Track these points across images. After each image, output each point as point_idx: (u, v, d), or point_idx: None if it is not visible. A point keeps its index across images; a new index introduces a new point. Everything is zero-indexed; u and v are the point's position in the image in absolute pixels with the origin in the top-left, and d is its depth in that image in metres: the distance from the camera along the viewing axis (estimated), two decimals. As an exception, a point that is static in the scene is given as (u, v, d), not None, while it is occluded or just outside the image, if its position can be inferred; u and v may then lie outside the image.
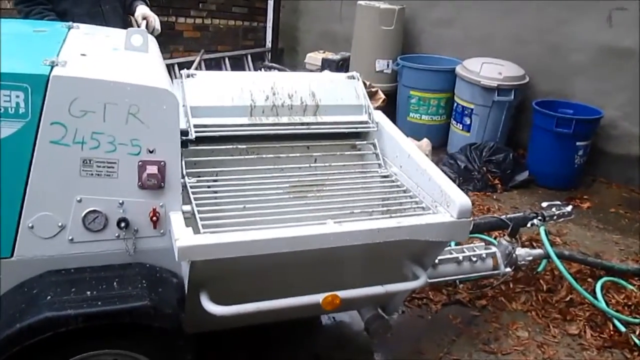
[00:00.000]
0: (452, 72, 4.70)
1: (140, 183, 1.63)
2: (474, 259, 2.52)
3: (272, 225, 1.72)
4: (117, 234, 1.65)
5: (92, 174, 1.59)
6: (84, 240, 1.63)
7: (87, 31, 2.14)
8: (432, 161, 4.41)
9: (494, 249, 2.60)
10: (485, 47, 4.82)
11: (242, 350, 2.29)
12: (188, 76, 2.21)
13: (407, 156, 2.14)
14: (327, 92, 2.36)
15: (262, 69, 5.26)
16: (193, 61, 5.54)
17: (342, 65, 5.47)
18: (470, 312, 2.71)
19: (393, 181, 2.17)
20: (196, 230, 1.63)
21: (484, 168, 4.21)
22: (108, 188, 1.61)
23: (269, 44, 6.43)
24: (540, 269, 2.98)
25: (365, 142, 2.37)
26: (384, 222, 1.76)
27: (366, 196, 2.04)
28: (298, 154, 2.22)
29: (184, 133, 1.95)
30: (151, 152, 1.63)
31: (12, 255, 1.57)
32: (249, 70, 6.20)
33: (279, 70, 5.43)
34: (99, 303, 1.53)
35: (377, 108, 4.44)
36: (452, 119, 4.82)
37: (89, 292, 1.56)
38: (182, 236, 1.56)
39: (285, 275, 1.82)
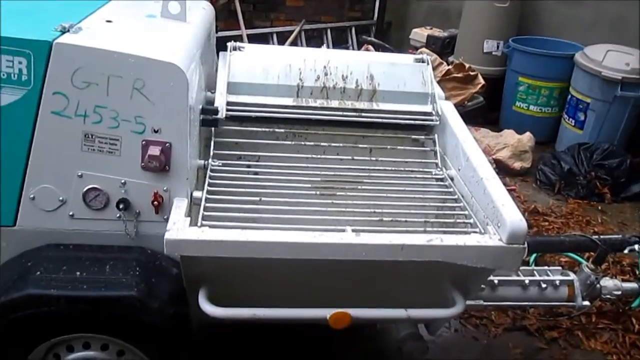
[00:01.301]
0: (570, 59, 4.10)
1: (143, 164, 1.50)
2: (544, 285, 2.13)
3: (283, 225, 1.53)
4: (118, 215, 1.55)
5: (93, 150, 1.50)
6: (84, 217, 1.55)
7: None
8: (534, 158, 3.97)
9: (572, 277, 2.18)
10: (615, 33, 4.14)
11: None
12: (235, 49, 2.05)
13: (466, 159, 1.81)
14: (387, 76, 2.08)
15: (363, 44, 5.00)
16: (292, 31, 5.40)
17: (448, 44, 5.02)
18: (536, 343, 2.33)
19: (446, 186, 1.86)
20: (195, 222, 1.48)
21: (592, 173, 3.65)
22: (110, 166, 1.51)
23: (376, 17, 6.11)
24: (634, 304, 2.49)
25: (424, 136, 2.07)
26: (412, 238, 1.48)
27: (407, 201, 1.75)
28: (341, 144, 1.98)
29: (214, 111, 1.81)
30: (156, 131, 1.49)
31: (14, 224, 1.53)
32: (352, 44, 5.95)
33: (378, 46, 5.15)
34: (84, 286, 1.45)
35: (475, 93, 4.07)
36: (564, 113, 4.23)
37: (78, 273, 1.48)
38: (174, 227, 1.42)
39: (292, 282, 1.62)
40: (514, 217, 1.52)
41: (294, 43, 5.39)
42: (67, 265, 1.50)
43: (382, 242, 1.46)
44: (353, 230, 1.49)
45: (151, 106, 1.47)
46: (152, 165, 1.49)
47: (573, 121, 4.10)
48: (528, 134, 4.01)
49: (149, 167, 1.50)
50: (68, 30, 1.47)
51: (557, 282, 2.15)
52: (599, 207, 3.54)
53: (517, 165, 3.89)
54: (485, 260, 1.52)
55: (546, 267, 2.24)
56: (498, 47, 4.63)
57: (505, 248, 1.50)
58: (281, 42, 5.38)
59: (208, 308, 1.50)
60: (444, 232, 1.63)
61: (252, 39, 5.16)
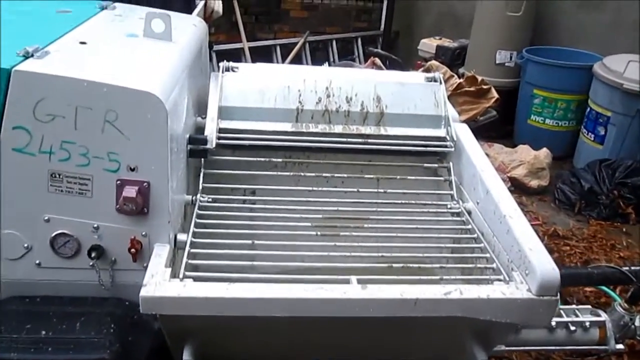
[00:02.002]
0: (588, 70, 3.89)
1: (118, 206, 1.32)
2: (573, 327, 1.92)
3: (278, 275, 1.34)
4: (91, 263, 1.36)
5: (61, 191, 1.31)
6: (53, 266, 1.37)
7: (121, 12, 1.87)
8: (551, 175, 3.75)
9: (603, 317, 1.97)
10: (637, 41, 3.93)
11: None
12: (227, 69, 1.87)
13: (485, 191, 1.61)
14: (396, 96, 1.88)
15: (370, 55, 4.82)
16: (296, 43, 5.24)
17: (458, 55, 4.84)
18: (563, 387, 2.12)
19: (463, 222, 1.65)
20: (178, 271, 1.29)
21: (615, 192, 3.43)
22: (80, 209, 1.33)
23: (383, 27, 5.93)
24: (671, 343, 2.27)
25: (437, 164, 1.87)
26: (427, 290, 1.28)
27: (420, 241, 1.55)
28: (345, 175, 1.79)
29: (203, 141, 1.62)
30: (132, 169, 1.31)
31: (-27, 275, 1.35)
32: (358, 55, 5.77)
33: (385, 58, 4.97)
34: (49, 349, 1.26)
35: (488, 108, 3.87)
36: (582, 127, 4.02)
37: (44, 332, 1.29)
38: (151, 281, 1.23)
39: (290, 338, 1.42)
40: (544, 265, 1.31)
41: (298, 55, 5.22)
42: (32, 322, 1.31)
43: (392, 296, 1.26)
44: (358, 282, 1.30)
45: (126, 141, 1.28)
46: (128, 208, 1.30)
47: (592, 136, 3.88)
48: (545, 150, 3.80)
49: (124, 210, 1.31)
50: (32, 55, 1.29)
51: (587, 324, 1.94)
52: (624, 229, 3.31)
53: (534, 183, 3.67)
54: (512, 314, 1.32)
55: (574, 306, 2.02)
56: (511, 57, 4.43)
57: (535, 301, 1.30)
58: (285, 54, 5.21)
59: (192, 369, 1.31)
60: (463, 280, 1.43)
61: (255, 51, 4.99)
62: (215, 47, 4.51)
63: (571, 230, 3.27)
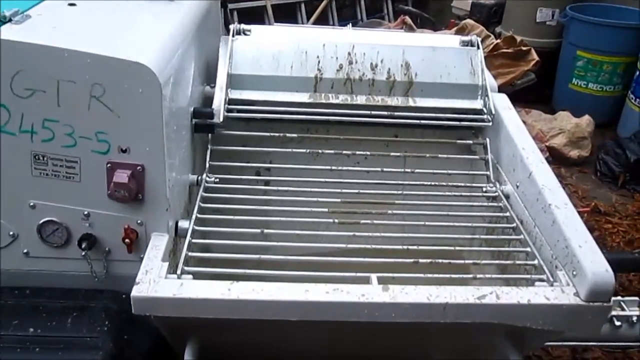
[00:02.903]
0: (637, 29, 3.56)
1: (109, 192, 1.17)
2: (618, 322, 1.73)
3: (288, 271, 1.18)
4: (83, 253, 1.23)
5: (47, 174, 1.17)
6: (42, 255, 1.25)
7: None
8: (593, 145, 3.49)
9: (653, 311, 1.77)
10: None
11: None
12: (238, 32, 1.68)
13: (527, 174, 1.42)
14: (427, 63, 1.68)
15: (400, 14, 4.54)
16: (322, 0, 4.95)
17: (495, 12, 4.50)
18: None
19: (500, 208, 1.47)
20: (174, 268, 1.15)
21: (664, 164, 3.16)
22: (69, 194, 1.19)
23: (414, -18, 5.58)
24: None
25: (472, 140, 1.67)
26: (458, 293, 1.11)
27: (450, 231, 1.38)
28: (368, 152, 1.61)
29: (208, 115, 1.46)
30: (124, 151, 1.15)
31: (-40, 265, 1.24)
32: (387, 14, 5.45)
33: (417, 16, 4.67)
34: (37, 349, 1.15)
35: (527, 71, 3.59)
36: (629, 92, 3.70)
37: (32, 329, 1.18)
38: (145, 278, 1.10)
39: (301, 341, 1.28)
40: (597, 266, 1.13)
41: (323, 14, 4.95)
42: (20, 317, 1.20)
43: (417, 300, 1.09)
44: (379, 281, 1.14)
45: (115, 119, 1.13)
46: (120, 195, 1.16)
47: (640, 102, 3.58)
48: (587, 117, 3.52)
49: (116, 197, 1.16)
50: (9, 20, 1.13)
51: (634, 319, 1.74)
52: (672, 205, 3.06)
53: (574, 154, 3.42)
54: (555, 322, 1.14)
55: (619, 298, 1.83)
56: (553, 16, 4.08)
57: (584, 307, 1.12)
58: (310, 12, 4.95)
59: (194, 373, 1.19)
60: (499, 279, 1.26)
61: (278, 10, 4.75)
62: (234, 5, 4.29)
63: (614, 206, 3.04)
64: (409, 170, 1.57)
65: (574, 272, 1.16)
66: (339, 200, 1.43)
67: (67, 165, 1.16)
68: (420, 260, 1.23)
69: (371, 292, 1.10)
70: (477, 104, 1.67)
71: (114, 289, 1.28)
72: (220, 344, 1.33)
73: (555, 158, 3.38)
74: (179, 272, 1.13)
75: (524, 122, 3.28)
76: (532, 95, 3.84)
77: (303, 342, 1.30)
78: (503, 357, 1.34)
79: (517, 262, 1.29)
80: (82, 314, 1.23)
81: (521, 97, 3.78)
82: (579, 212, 1.30)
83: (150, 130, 1.14)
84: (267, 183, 1.50)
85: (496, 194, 1.51)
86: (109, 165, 1.16)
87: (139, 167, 1.16)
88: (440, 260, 1.24)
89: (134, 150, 1.15)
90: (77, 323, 1.21)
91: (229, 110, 1.56)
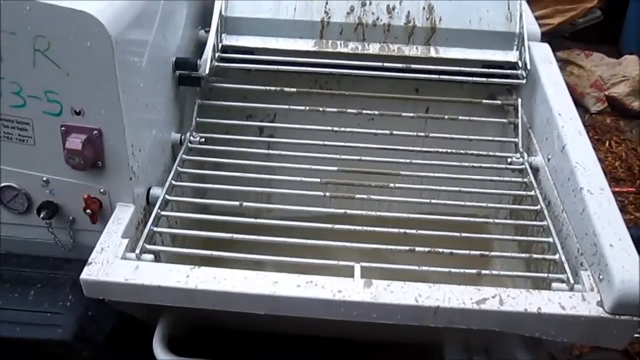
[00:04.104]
0: None
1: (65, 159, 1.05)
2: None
3: (260, 254, 1.05)
4: (45, 222, 1.13)
5: (-2, 136, 1.05)
6: (7, 221, 1.15)
7: None
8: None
9: None
10: None
11: None
12: (235, -32, 1.47)
13: (561, 146, 1.19)
14: (454, 6, 1.44)
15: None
16: None
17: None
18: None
19: (526, 185, 1.25)
20: (135, 245, 1.03)
21: None
22: (24, 158, 1.07)
23: None
24: None
25: (502, 100, 1.43)
26: (454, 294, 0.94)
27: (460, 212, 1.19)
28: (377, 112, 1.40)
29: (192, 66, 1.29)
30: (78, 113, 1.01)
31: None
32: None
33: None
34: (-7, 324, 1.08)
35: (592, 8, 3.16)
36: None
37: (-8, 301, 1.11)
38: (98, 259, 0.98)
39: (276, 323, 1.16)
40: (629, 273, 0.92)
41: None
42: (-19, 286, 1.13)
43: (403, 301, 0.94)
44: (363, 273, 0.98)
45: (64, 77, 0.98)
46: (75, 162, 1.03)
47: None
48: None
49: (71, 164, 1.04)
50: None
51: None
52: None
53: (637, 105, 3.04)
54: (570, 334, 0.96)
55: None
56: (630, -59, 3.55)
57: (608, 320, 0.93)
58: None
59: (162, 356, 1.09)
60: (508, 276, 1.08)
61: None
62: None
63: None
64: (422, 134, 1.36)
65: (600, 276, 0.96)
66: (335, 168, 1.26)
67: (19, 127, 1.04)
68: (417, 249, 1.06)
69: (350, 289, 0.95)
70: (512, 55, 1.42)
71: (84, 259, 1.18)
72: (197, 318, 1.23)
73: (614, 109, 3.02)
74: (137, 251, 1.01)
75: (582, 67, 2.92)
76: (596, 34, 3.41)
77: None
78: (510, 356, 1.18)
79: (535, 255, 1.10)
80: (46, 285, 1.14)
81: (583, 36, 3.37)
82: (622, 193, 1.08)
83: (104, 90, 0.99)
84: (256, 146, 1.33)
85: (523, 166, 1.29)
86: (63, 128, 1.03)
87: (95, 132, 1.02)
88: (441, 250, 1.06)
89: (88, 112, 1.01)
90: (40, 296, 1.12)
91: (221, 60, 1.39)
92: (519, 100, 1.38)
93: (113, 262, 0.98)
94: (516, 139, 1.35)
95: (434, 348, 1.37)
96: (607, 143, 2.82)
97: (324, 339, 1.28)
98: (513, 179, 1.28)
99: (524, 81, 1.37)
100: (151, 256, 1.01)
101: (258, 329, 1.22)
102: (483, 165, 1.30)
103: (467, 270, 1.03)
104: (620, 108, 3.04)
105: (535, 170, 1.28)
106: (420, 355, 1.48)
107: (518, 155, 1.31)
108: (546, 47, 1.44)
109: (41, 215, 1.10)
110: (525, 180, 1.26)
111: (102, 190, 1.09)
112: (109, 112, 1.01)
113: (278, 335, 1.27)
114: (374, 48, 1.44)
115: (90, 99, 1.00)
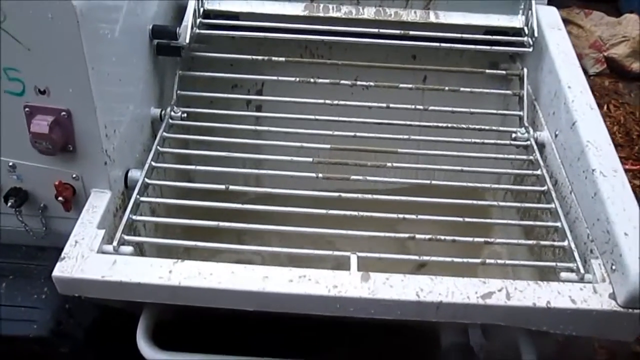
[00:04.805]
0: None
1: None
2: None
3: (248, 245, 0.97)
4: (14, 210, 1.04)
5: (-43, 117, 0.95)
6: (-25, 208, 1.07)
7: None
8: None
9: None
10: None
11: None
12: None
13: (570, 122, 1.11)
14: (456, -34, 1.31)
15: None
16: None
17: None
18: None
19: (531, 163, 1.18)
20: (113, 236, 0.95)
21: None
22: (-13, 141, 0.97)
23: None
24: None
25: (506, 70, 1.34)
26: (458, 288, 0.88)
27: (462, 193, 1.11)
28: (373, 83, 1.30)
29: (168, 34, 1.18)
30: (42, 92, 0.91)
31: None
32: None
33: None
34: (-37, 321, 1.00)
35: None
36: None
37: (-39, 296, 1.03)
38: (71, 253, 0.90)
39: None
40: (644, 262, 0.86)
41: None
42: (-51, 279, 1.05)
43: (403, 296, 0.87)
44: (360, 265, 0.91)
45: (25, 53, 0.87)
46: (42, 147, 0.93)
47: None
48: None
49: (38, 149, 0.94)
50: None
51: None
52: None
53: (637, 66, 2.94)
54: (581, 328, 0.91)
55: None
56: None
57: (620, 314, 0.88)
58: None
59: (146, 350, 1.03)
60: (513, 265, 1.01)
61: None
62: None
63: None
64: (420, 107, 1.27)
65: (613, 266, 0.90)
66: (328, 146, 1.17)
67: (-22, 107, 0.93)
68: (417, 236, 0.99)
69: (346, 283, 0.88)
70: (517, 20, 1.32)
71: (59, 246, 1.10)
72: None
73: (613, 70, 2.93)
74: (115, 243, 0.93)
75: (581, 27, 2.79)
76: (596, -9, 3.29)
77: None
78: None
79: (542, 242, 1.03)
80: (20, 276, 1.06)
81: (582, -7, 3.25)
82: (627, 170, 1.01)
83: (71, 66, 0.88)
84: (245, 121, 1.24)
85: (528, 142, 1.21)
86: (27, 109, 0.92)
87: (63, 113, 0.92)
88: (442, 237, 0.99)
89: (54, 91, 0.91)
90: (12, 289, 1.05)
91: (204, 26, 1.27)
92: (525, 70, 1.29)
93: (88, 257, 0.90)
94: (521, 112, 1.27)
95: (430, 328, 1.33)
96: (605, 107, 2.74)
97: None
98: (518, 157, 1.20)
99: (531, 49, 1.27)
100: (130, 248, 0.93)
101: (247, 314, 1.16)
102: (486, 141, 1.21)
103: (470, 260, 0.96)
104: (620, 70, 2.95)
105: (541, 147, 1.20)
106: (417, 335, 1.44)
107: (523, 130, 1.23)
108: (554, 11, 1.34)
109: (9, 203, 1.01)
110: (531, 157, 1.18)
111: (74, 175, 1.00)
112: (78, 90, 0.90)
113: (268, 317, 1.21)
114: (369, 12, 1.33)
115: (55, 77, 0.89)
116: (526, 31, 1.30)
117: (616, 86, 2.89)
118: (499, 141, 1.23)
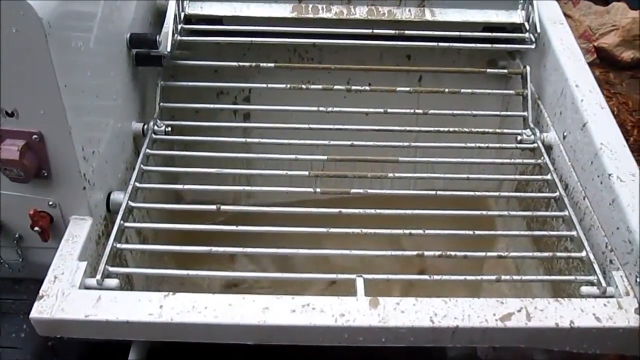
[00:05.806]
0: None
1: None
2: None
3: (243, 272, 0.89)
4: (-12, 240, 0.96)
5: None
6: (-57, 240, 0.97)
7: None
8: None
9: None
10: None
11: None
12: None
13: (581, 123, 1.05)
14: (452, -39, 1.24)
15: None
16: None
17: None
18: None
19: (540, 167, 1.11)
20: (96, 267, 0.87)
21: None
22: (-48, 169, 0.88)
23: None
24: None
25: (508, 69, 1.28)
26: (474, 310, 0.81)
27: (470, 203, 1.05)
28: (367, 87, 1.23)
29: (148, 42, 1.09)
30: (10, 115, 0.82)
31: None
32: None
33: None
34: None
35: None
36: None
37: None
38: (50, 291, 0.82)
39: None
40: (673, 276, 0.80)
41: None
42: None
43: (416, 323, 0.80)
44: (367, 290, 0.84)
45: (-10, 71, 0.78)
46: (13, 174, 0.85)
47: None
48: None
49: (9, 177, 0.86)
50: None
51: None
52: None
53: (628, 55, 2.90)
54: (604, 346, 0.85)
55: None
56: None
57: (648, 331, 0.82)
58: None
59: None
60: (529, 281, 0.95)
61: None
62: None
63: (670, 120, 2.61)
64: (421, 111, 1.19)
65: (638, 278, 0.84)
66: (325, 157, 1.09)
67: (-61, 132, 0.85)
68: (426, 253, 0.92)
69: (353, 311, 0.81)
70: (517, 16, 1.26)
71: (37, 278, 1.01)
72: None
73: (603, 60, 2.89)
74: (99, 276, 0.85)
75: (570, 17, 2.73)
76: (582, -20, 3.24)
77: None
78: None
79: (558, 254, 0.97)
80: (-4, 313, 0.98)
81: (568, -18, 3.20)
82: None
83: (40, 84, 0.80)
84: (233, 132, 1.16)
85: (534, 144, 1.15)
86: (-6, 133, 0.84)
87: (35, 136, 0.84)
88: (452, 253, 0.92)
89: (24, 113, 0.82)
90: (-12, 327, 0.96)
91: (186, 32, 1.19)
92: (528, 68, 1.22)
93: (69, 294, 0.82)
94: (525, 113, 1.20)
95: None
96: (598, 98, 2.69)
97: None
98: (524, 161, 1.14)
99: (534, 46, 1.21)
100: (116, 281, 0.85)
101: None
102: (490, 145, 1.15)
103: (484, 277, 0.89)
104: (610, 59, 2.91)
105: (548, 149, 1.14)
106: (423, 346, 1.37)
107: (528, 131, 1.17)
108: (555, 4, 1.28)
109: (-21, 235, 0.92)
110: (539, 161, 1.11)
111: (51, 202, 0.91)
112: (49, 110, 0.82)
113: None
114: (361, 12, 1.25)
115: (24, 97, 0.81)
116: (527, 27, 1.23)
117: (607, 76, 2.85)
118: (503, 145, 1.17)
